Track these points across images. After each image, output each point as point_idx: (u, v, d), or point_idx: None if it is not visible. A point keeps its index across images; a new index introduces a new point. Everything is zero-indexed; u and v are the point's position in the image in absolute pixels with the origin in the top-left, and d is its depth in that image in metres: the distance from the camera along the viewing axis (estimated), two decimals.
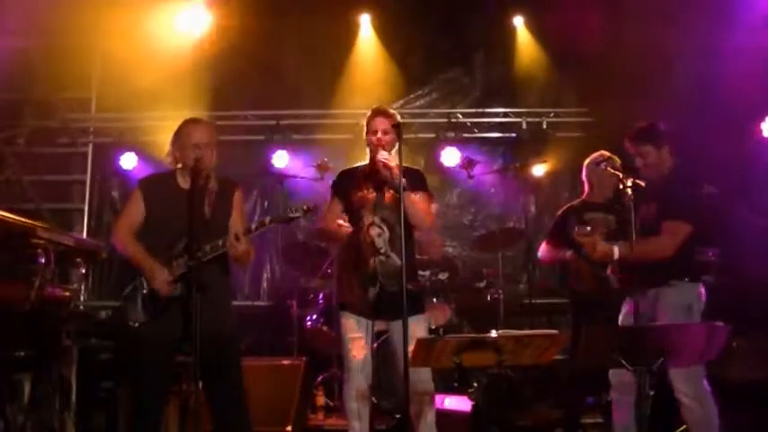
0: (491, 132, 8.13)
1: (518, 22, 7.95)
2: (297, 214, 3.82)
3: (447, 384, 5.02)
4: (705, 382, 4.21)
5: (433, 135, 8.02)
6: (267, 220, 3.87)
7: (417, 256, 4.84)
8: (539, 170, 7.57)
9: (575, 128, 7.94)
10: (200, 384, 3.70)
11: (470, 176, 7.39)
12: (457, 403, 5.46)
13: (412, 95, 8.20)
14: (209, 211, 3.92)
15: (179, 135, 3.98)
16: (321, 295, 6.76)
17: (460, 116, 8.06)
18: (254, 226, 3.86)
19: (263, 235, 4.03)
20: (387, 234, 4.13)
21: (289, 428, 5.36)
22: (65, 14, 6.42)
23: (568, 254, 5.19)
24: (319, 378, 6.33)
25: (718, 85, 6.44)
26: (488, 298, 6.82)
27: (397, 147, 4.04)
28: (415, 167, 4.45)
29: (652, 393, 3.69)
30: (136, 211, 4.01)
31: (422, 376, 4.01)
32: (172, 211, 3.88)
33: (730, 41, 6.48)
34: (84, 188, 8.08)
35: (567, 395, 5.69)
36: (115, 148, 7.88)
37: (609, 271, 4.68)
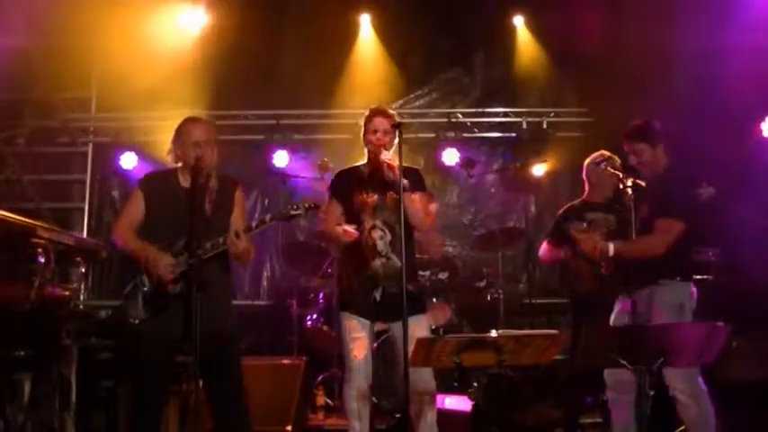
0: (491, 132, 8.13)
1: (518, 21, 7.95)
2: (298, 212, 3.81)
3: (447, 384, 5.02)
4: (700, 380, 4.21)
5: (433, 135, 8.02)
6: (268, 217, 3.86)
7: (417, 256, 4.83)
8: (539, 170, 7.56)
9: (575, 128, 7.95)
10: (201, 383, 3.70)
11: (470, 176, 7.39)
12: (457, 403, 5.46)
13: (412, 95, 8.20)
14: (209, 208, 3.92)
15: (179, 133, 3.99)
16: (321, 295, 6.76)
17: (460, 116, 8.06)
18: (254, 224, 3.86)
19: (263, 234, 4.03)
20: (388, 236, 4.13)
21: (289, 428, 5.36)
22: (65, 14, 6.42)
23: (563, 252, 5.19)
24: (319, 378, 6.33)
25: (718, 85, 6.44)
26: (488, 298, 6.83)
27: (395, 147, 4.03)
28: (414, 167, 4.44)
29: (652, 393, 3.69)
30: (136, 208, 4.02)
31: (423, 376, 4.01)
32: (172, 209, 3.89)
33: (730, 41, 6.49)
34: (84, 188, 8.08)
35: (567, 395, 5.69)
36: (115, 147, 7.89)
37: (602, 269, 4.69)
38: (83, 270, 4.98)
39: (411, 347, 3.44)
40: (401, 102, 8.04)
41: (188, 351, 3.60)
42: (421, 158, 7.91)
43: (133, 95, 7.36)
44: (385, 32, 7.94)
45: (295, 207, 3.82)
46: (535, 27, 7.90)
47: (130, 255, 3.95)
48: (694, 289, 4.37)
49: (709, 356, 3.57)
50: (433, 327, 5.91)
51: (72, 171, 8.17)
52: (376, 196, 4.16)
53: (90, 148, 8.12)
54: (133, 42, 7.04)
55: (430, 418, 4.08)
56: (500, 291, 6.67)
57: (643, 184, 4.22)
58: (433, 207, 4.53)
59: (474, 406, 5.48)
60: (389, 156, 4.07)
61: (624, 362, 3.51)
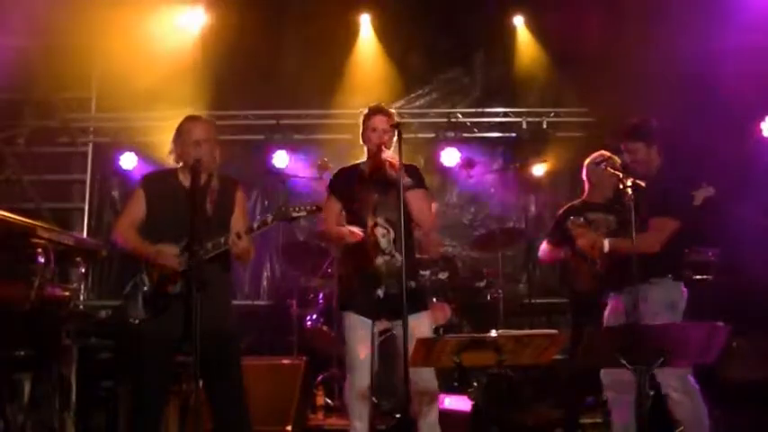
0: (491, 132, 8.14)
1: (518, 21, 7.95)
2: (300, 213, 3.81)
3: (447, 384, 5.02)
4: (692, 378, 4.22)
5: (432, 135, 8.03)
6: (269, 218, 3.86)
7: (417, 256, 4.83)
8: (539, 170, 7.57)
9: (575, 128, 7.95)
10: (201, 383, 3.69)
11: (470, 176, 7.39)
12: (457, 403, 5.46)
13: (412, 95, 8.20)
14: (210, 208, 3.92)
15: (179, 132, 3.99)
16: (321, 295, 6.76)
17: (460, 116, 8.07)
18: (256, 225, 3.86)
19: (263, 234, 4.03)
20: (391, 234, 4.12)
21: (289, 428, 5.36)
22: (65, 14, 6.42)
23: (563, 252, 5.20)
24: (319, 378, 6.33)
25: (719, 85, 6.44)
26: (488, 298, 6.83)
27: (395, 146, 4.03)
28: (413, 164, 4.43)
29: (652, 393, 3.69)
30: (138, 208, 4.02)
31: (424, 375, 4.01)
32: (173, 208, 3.89)
33: (730, 41, 6.49)
34: (84, 188, 8.09)
35: (567, 395, 5.69)
36: (115, 147, 7.89)
37: (597, 266, 4.70)
38: (83, 270, 4.98)
39: (413, 345, 3.44)
40: (401, 102, 8.04)
41: (188, 351, 3.60)
42: (421, 158, 7.91)
43: (133, 95, 7.37)
44: (385, 32, 7.94)
45: (297, 208, 3.82)
46: (535, 27, 7.91)
47: (131, 253, 3.95)
48: (685, 289, 4.40)
49: (710, 356, 3.56)
50: (433, 326, 5.91)
51: (72, 171, 8.18)
52: (378, 195, 4.15)
53: (90, 148, 8.13)
54: (133, 42, 7.05)
55: (432, 417, 4.08)
56: (500, 291, 6.67)
57: (643, 184, 4.22)
58: (434, 206, 4.52)
59: (474, 406, 5.48)
60: (390, 154, 4.07)
61: (624, 362, 3.50)
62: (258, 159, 7.80)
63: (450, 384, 4.79)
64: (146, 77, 7.07)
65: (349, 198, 4.22)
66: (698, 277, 6.16)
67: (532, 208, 8.06)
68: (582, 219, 4.64)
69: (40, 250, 4.22)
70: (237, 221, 4.02)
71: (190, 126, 3.98)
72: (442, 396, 5.22)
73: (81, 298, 7.34)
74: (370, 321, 4.07)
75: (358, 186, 4.21)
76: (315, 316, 6.68)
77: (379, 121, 4.14)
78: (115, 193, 8.18)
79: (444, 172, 7.94)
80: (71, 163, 8.20)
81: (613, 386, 4.45)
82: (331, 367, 6.37)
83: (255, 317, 7.53)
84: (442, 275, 6.55)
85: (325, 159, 6.89)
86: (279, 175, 7.53)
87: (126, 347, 4.72)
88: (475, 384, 5.73)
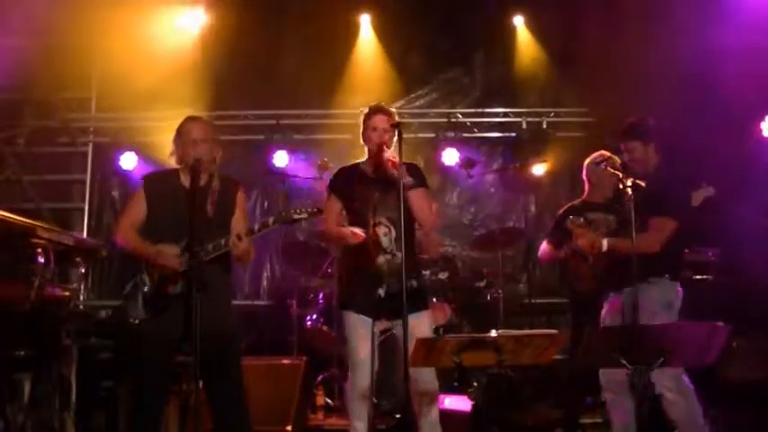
0: (491, 132, 8.13)
1: (518, 21, 7.95)
2: (301, 216, 3.81)
3: (447, 384, 5.02)
4: (686, 378, 4.22)
5: (432, 135, 8.03)
6: (271, 220, 3.86)
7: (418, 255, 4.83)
8: (539, 170, 7.57)
9: (575, 128, 7.94)
10: (201, 383, 3.69)
11: (470, 176, 7.39)
12: (457, 403, 5.46)
13: (412, 95, 8.20)
14: (211, 209, 3.92)
15: (179, 134, 4.00)
16: (321, 295, 6.76)
17: (460, 116, 8.07)
18: (257, 227, 3.86)
19: (263, 234, 4.02)
20: (393, 233, 4.11)
21: (289, 428, 5.36)
22: (65, 14, 6.42)
23: (563, 252, 5.20)
24: (319, 378, 6.33)
25: (719, 85, 6.44)
26: (488, 298, 6.83)
27: (395, 145, 4.03)
28: (414, 163, 4.43)
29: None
30: (138, 208, 4.02)
31: (425, 376, 4.01)
32: (174, 209, 3.88)
33: (730, 41, 6.48)
34: (84, 188, 8.09)
35: (567, 395, 5.69)
36: (115, 147, 7.89)
37: (590, 260, 4.71)
38: (82, 270, 4.99)
39: (413, 345, 3.44)
40: (401, 102, 8.04)
41: (188, 351, 3.60)
42: (421, 158, 7.90)
43: (133, 95, 7.37)
44: (385, 32, 7.94)
45: (298, 211, 3.82)
46: (535, 27, 7.91)
47: (132, 254, 3.95)
48: (680, 288, 4.42)
49: (710, 356, 3.57)
50: (433, 326, 5.91)
51: (72, 171, 8.17)
52: (380, 194, 4.15)
53: (90, 148, 8.13)
54: (133, 42, 7.05)
55: (432, 416, 4.08)
56: (500, 291, 6.67)
57: (643, 184, 4.22)
58: (434, 206, 4.52)
59: (474, 406, 5.48)
60: (391, 153, 4.07)
61: (624, 362, 3.50)
62: (258, 159, 7.79)
63: (451, 384, 4.79)
64: (146, 77, 7.07)
65: (350, 197, 4.22)
66: (698, 277, 6.16)
67: (532, 208, 8.06)
68: (581, 219, 4.64)
69: (40, 250, 4.22)
70: (238, 222, 4.02)
71: (189, 127, 3.99)
72: (442, 396, 5.22)
73: (81, 298, 7.35)
74: (370, 320, 4.07)
75: (359, 186, 4.21)
76: (315, 316, 6.68)
77: (380, 121, 4.14)
78: (115, 193, 8.19)
79: (444, 172, 7.94)
80: (71, 163, 8.20)
81: (611, 387, 4.46)
82: (331, 367, 6.37)
83: (255, 317, 7.53)
84: (442, 275, 6.55)
85: (325, 159, 6.89)
86: (279, 175, 7.52)
87: (126, 347, 4.72)
88: (475, 384, 5.73)
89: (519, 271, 7.81)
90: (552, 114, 8.00)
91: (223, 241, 3.81)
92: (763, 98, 6.77)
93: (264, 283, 8.05)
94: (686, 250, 6.24)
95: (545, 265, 7.13)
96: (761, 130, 7.14)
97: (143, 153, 7.60)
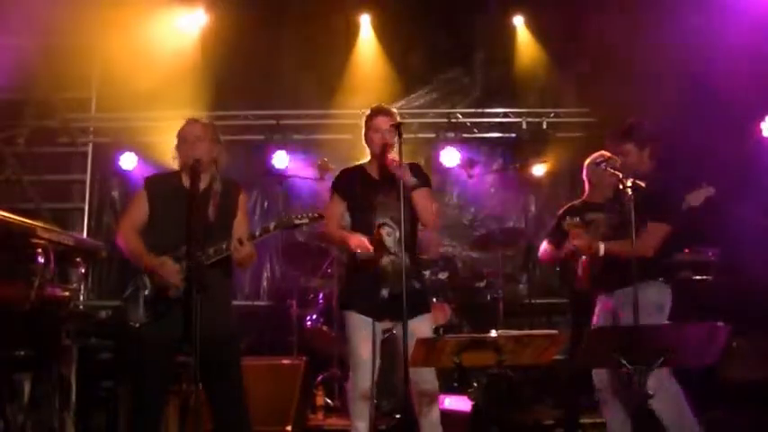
0: (491, 132, 8.13)
1: (518, 21, 7.95)
2: (303, 221, 3.80)
3: (447, 384, 5.02)
4: (671, 377, 4.23)
5: (433, 135, 8.03)
6: (272, 225, 3.85)
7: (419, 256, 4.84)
8: (539, 170, 7.57)
9: (575, 128, 7.94)
10: (201, 384, 3.69)
11: (470, 176, 7.38)
12: (457, 403, 5.46)
13: (412, 95, 8.20)
14: (213, 213, 3.91)
15: (180, 135, 4.00)
16: (321, 295, 6.76)
17: (460, 116, 8.07)
18: (258, 232, 3.85)
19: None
20: (397, 234, 4.12)
21: (289, 428, 5.36)
22: (65, 14, 6.42)
23: (563, 252, 5.20)
24: (319, 378, 6.33)
25: (719, 85, 6.44)
26: (488, 298, 6.83)
27: (396, 146, 4.03)
28: (416, 162, 4.43)
29: (652, 393, 3.69)
30: (140, 210, 4.01)
31: (425, 376, 4.01)
32: (176, 210, 3.85)
33: (730, 41, 6.48)
34: (84, 188, 8.09)
35: (567, 395, 5.69)
36: (115, 148, 7.88)
37: (583, 263, 4.72)
38: (82, 270, 4.97)
39: (414, 345, 3.45)
40: (401, 102, 8.03)
41: (188, 351, 3.60)
42: (421, 158, 7.89)
43: (133, 96, 7.36)
44: (385, 32, 7.94)
45: (299, 216, 3.81)
46: (535, 27, 7.90)
47: (131, 259, 3.94)
48: (671, 291, 4.46)
49: (710, 356, 3.57)
50: (433, 326, 5.91)
51: (72, 171, 8.17)
52: (384, 194, 4.15)
53: (90, 149, 8.12)
54: (133, 42, 7.05)
55: (433, 417, 4.08)
56: (500, 291, 6.67)
57: (643, 184, 4.23)
58: (434, 206, 4.53)
59: (474, 406, 5.48)
60: (392, 154, 4.07)
61: (624, 362, 3.51)
62: (258, 160, 7.79)
63: (451, 384, 4.79)
64: (146, 77, 7.06)
65: (354, 198, 4.22)
66: (698, 277, 6.16)
67: (532, 208, 8.06)
68: (578, 218, 4.65)
69: (39, 250, 4.22)
70: (240, 225, 4.01)
71: (188, 128, 4.00)
72: (442, 396, 5.23)
73: (81, 298, 7.34)
74: (371, 320, 4.07)
75: (363, 187, 4.21)
76: (315, 316, 6.68)
77: (382, 122, 4.15)
78: (115, 194, 8.19)
79: (444, 172, 7.93)
80: (71, 163, 8.20)
81: (604, 387, 4.49)
82: (331, 367, 6.37)
83: (255, 317, 7.53)
84: (442, 275, 6.56)
85: (326, 160, 6.89)
86: (279, 176, 7.52)
87: (126, 348, 4.72)
88: (475, 384, 5.73)
89: (519, 271, 7.81)
90: (552, 114, 8.00)
91: (224, 245, 3.81)
92: (763, 98, 6.76)
93: (264, 283, 8.05)
94: (686, 250, 6.27)
95: (545, 265, 7.12)
96: (761, 130, 7.13)
97: (143, 153, 7.60)
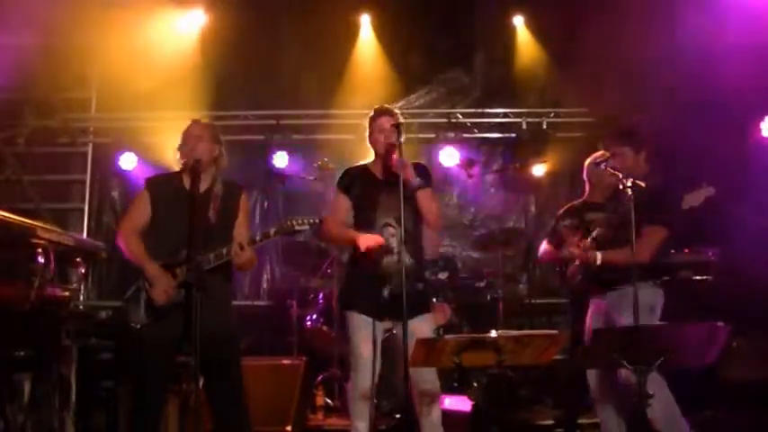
0: (491, 132, 8.13)
1: (518, 21, 7.95)
2: (303, 227, 3.81)
3: (447, 384, 5.03)
4: (658, 376, 4.22)
5: (433, 135, 8.02)
6: (272, 231, 3.86)
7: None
8: (539, 170, 7.56)
9: (575, 128, 7.94)
10: (201, 383, 3.69)
11: (470, 176, 7.38)
12: (457, 403, 5.46)
13: (412, 95, 8.20)
14: (214, 215, 3.91)
15: (183, 135, 4.00)
16: (321, 295, 6.76)
17: (460, 116, 8.06)
18: (258, 237, 3.85)
19: None
20: (400, 233, 4.12)
21: (289, 428, 5.36)
22: (65, 14, 6.41)
23: (565, 252, 5.21)
24: (319, 378, 6.33)
25: (719, 85, 6.44)
26: (488, 298, 6.83)
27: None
28: (421, 162, 4.44)
29: (652, 393, 3.69)
30: (142, 211, 4.01)
31: (426, 376, 4.01)
32: (177, 213, 3.85)
33: (730, 41, 6.48)
34: (83, 188, 8.09)
35: (567, 395, 5.69)
36: (115, 148, 7.88)
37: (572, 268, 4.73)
38: (82, 271, 4.97)
39: (414, 345, 3.45)
40: (401, 102, 8.03)
41: (188, 351, 3.60)
42: (421, 158, 7.88)
43: (133, 96, 7.36)
44: (385, 32, 7.94)
45: (300, 222, 3.82)
46: (535, 27, 7.90)
47: (132, 261, 3.94)
48: (663, 293, 4.46)
49: (710, 356, 3.57)
50: (433, 326, 5.91)
51: (72, 171, 8.17)
52: (388, 194, 4.15)
53: (90, 149, 8.12)
54: (133, 42, 7.05)
55: (434, 416, 4.08)
56: (500, 291, 6.67)
57: (643, 184, 4.23)
58: (436, 207, 4.54)
59: (474, 406, 5.48)
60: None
61: (624, 362, 3.50)
62: (258, 160, 7.79)
63: (451, 384, 4.79)
64: (146, 77, 7.07)
65: (358, 197, 4.23)
66: (698, 277, 6.16)
67: (532, 208, 8.06)
68: (577, 221, 4.65)
69: (39, 250, 4.21)
70: (241, 227, 4.01)
71: (191, 129, 4.00)
72: (442, 396, 5.23)
73: (81, 298, 7.34)
74: (371, 320, 4.07)
75: (368, 187, 4.23)
76: (315, 316, 6.68)
77: (386, 122, 4.16)
78: (115, 194, 8.19)
79: (444, 172, 7.93)
80: (71, 163, 8.20)
81: (598, 388, 4.49)
82: (331, 367, 6.37)
83: (255, 317, 7.53)
84: (442, 275, 6.55)
85: (326, 159, 6.89)
86: (279, 176, 7.52)
87: (126, 349, 4.72)
88: (475, 384, 5.73)
89: (519, 271, 7.80)
90: (552, 114, 8.00)
91: (225, 250, 3.81)
92: (763, 98, 6.77)
93: (264, 283, 8.05)
94: (686, 250, 6.27)
95: (545, 265, 7.13)
96: (761, 130, 7.13)
97: (143, 154, 7.60)
